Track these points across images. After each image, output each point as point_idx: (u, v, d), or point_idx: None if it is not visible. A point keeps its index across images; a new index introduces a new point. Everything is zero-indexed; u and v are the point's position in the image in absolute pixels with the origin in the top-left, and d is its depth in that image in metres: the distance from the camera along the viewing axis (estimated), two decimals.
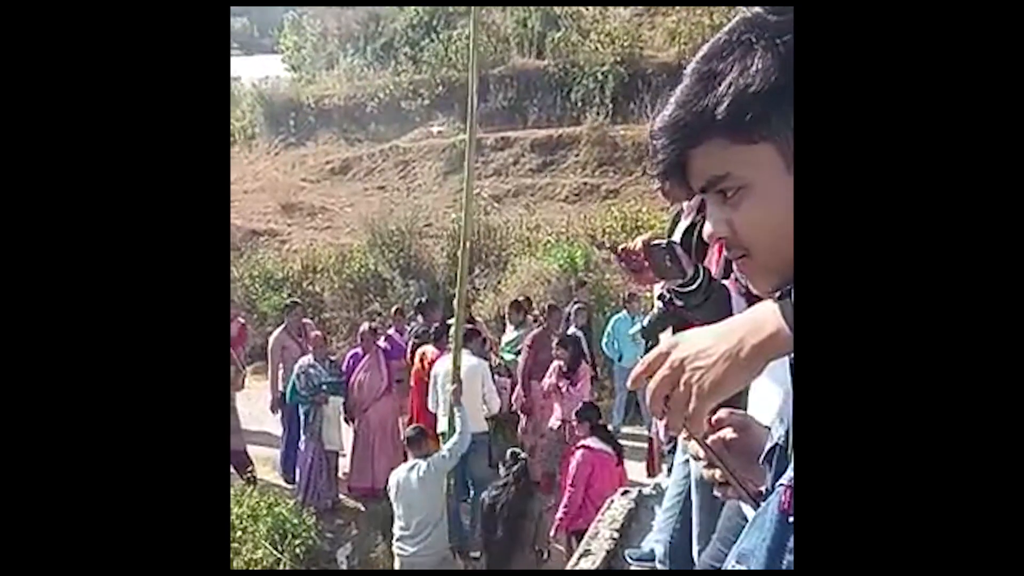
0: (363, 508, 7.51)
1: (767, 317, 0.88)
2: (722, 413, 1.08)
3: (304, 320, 8.86)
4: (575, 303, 9.16)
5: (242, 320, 9.15)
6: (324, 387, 7.35)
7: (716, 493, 1.14)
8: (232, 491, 6.92)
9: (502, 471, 5.49)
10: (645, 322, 3.10)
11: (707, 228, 0.93)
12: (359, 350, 7.72)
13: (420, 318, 8.67)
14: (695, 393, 0.89)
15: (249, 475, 7.45)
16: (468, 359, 6.77)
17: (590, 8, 15.81)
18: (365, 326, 8.02)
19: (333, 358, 7.73)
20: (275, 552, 6.35)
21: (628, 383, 1.04)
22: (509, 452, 5.70)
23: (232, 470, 7.58)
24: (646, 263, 2.59)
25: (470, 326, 7.37)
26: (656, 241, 2.80)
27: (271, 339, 8.47)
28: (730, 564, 0.87)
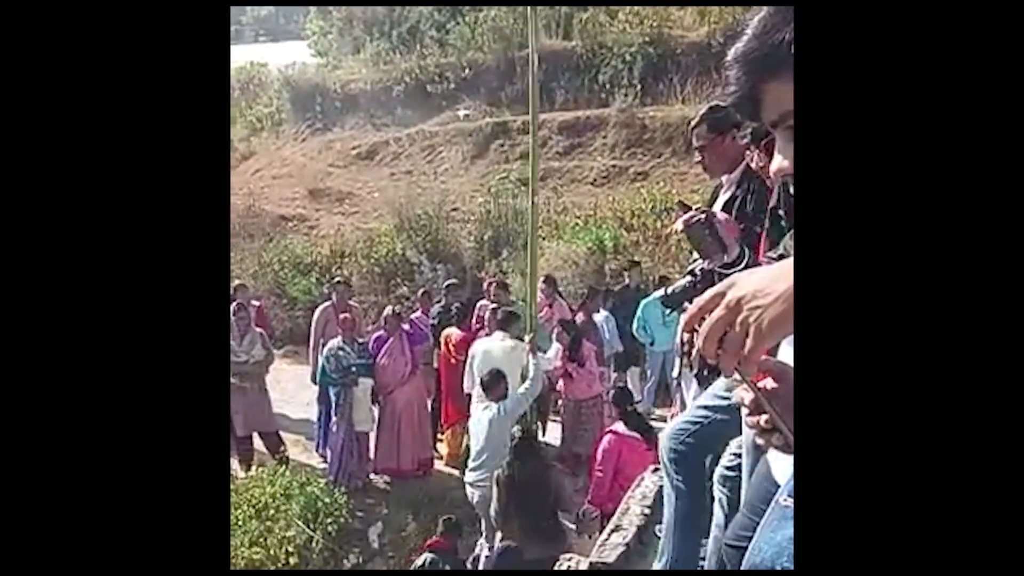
0: (393, 488, 7.53)
1: None
2: (761, 359, 1.05)
3: (350, 302, 8.89)
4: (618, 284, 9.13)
5: (256, 303, 9.21)
6: (354, 369, 7.37)
7: (759, 440, 1.12)
8: (265, 471, 6.98)
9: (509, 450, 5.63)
10: (670, 290, 3.06)
11: (775, 163, 0.92)
12: (383, 333, 7.74)
13: (443, 300, 8.66)
14: (752, 333, 0.88)
15: (281, 455, 7.51)
16: (506, 341, 6.76)
17: None
18: (388, 310, 8.04)
19: (361, 340, 7.73)
20: (307, 530, 6.39)
21: (681, 326, 1.02)
22: (516, 428, 5.82)
23: (265, 450, 7.65)
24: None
25: (509, 309, 7.35)
26: (695, 217, 2.75)
27: (316, 312, 8.58)
28: (780, 500, 0.87)
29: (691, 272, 3.18)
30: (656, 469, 5.23)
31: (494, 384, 6.20)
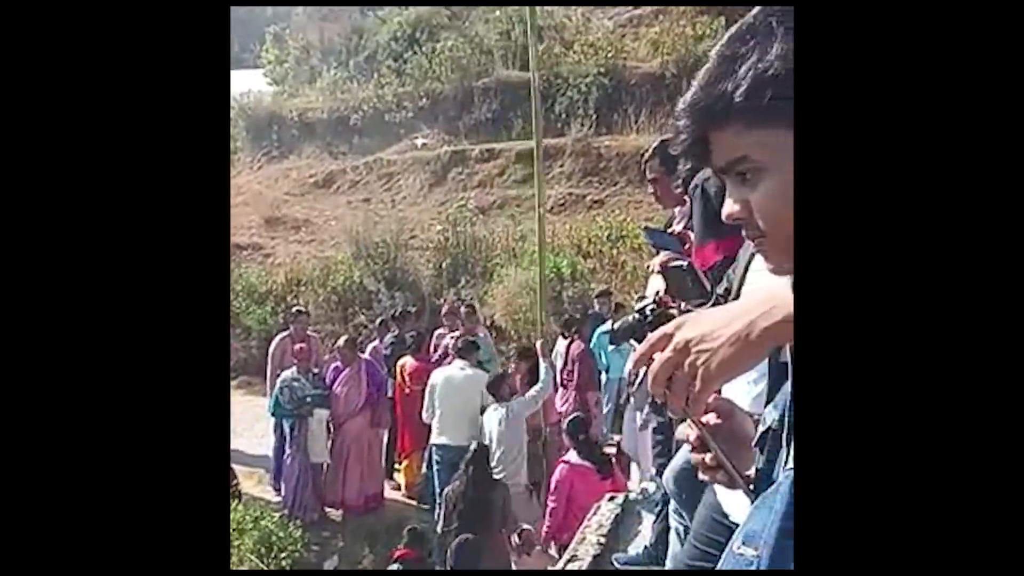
0: (349, 520, 7.43)
1: (781, 300, 0.87)
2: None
3: (309, 332, 8.78)
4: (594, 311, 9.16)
5: None
6: (309, 399, 7.29)
7: (703, 477, 1.14)
8: None
9: (461, 465, 5.73)
10: (616, 326, 3.09)
11: (725, 208, 0.92)
12: (339, 363, 7.66)
13: (397, 329, 8.60)
14: (700, 375, 0.89)
15: (234, 488, 7.36)
16: (466, 371, 6.74)
17: (573, 19, 15.91)
18: (342, 340, 7.96)
19: (316, 371, 7.65)
20: (262, 565, 6.27)
21: (629, 364, 1.04)
22: (473, 443, 5.92)
23: None
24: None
25: (469, 338, 7.34)
26: (676, 263, 2.76)
27: (272, 343, 8.47)
28: (733, 547, 0.86)
29: (640, 311, 3.21)
30: (612, 497, 5.24)
31: (498, 385, 6.33)
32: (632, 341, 2.13)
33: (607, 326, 7.44)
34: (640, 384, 7.33)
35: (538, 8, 16.17)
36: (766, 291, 0.91)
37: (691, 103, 0.89)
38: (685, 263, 2.64)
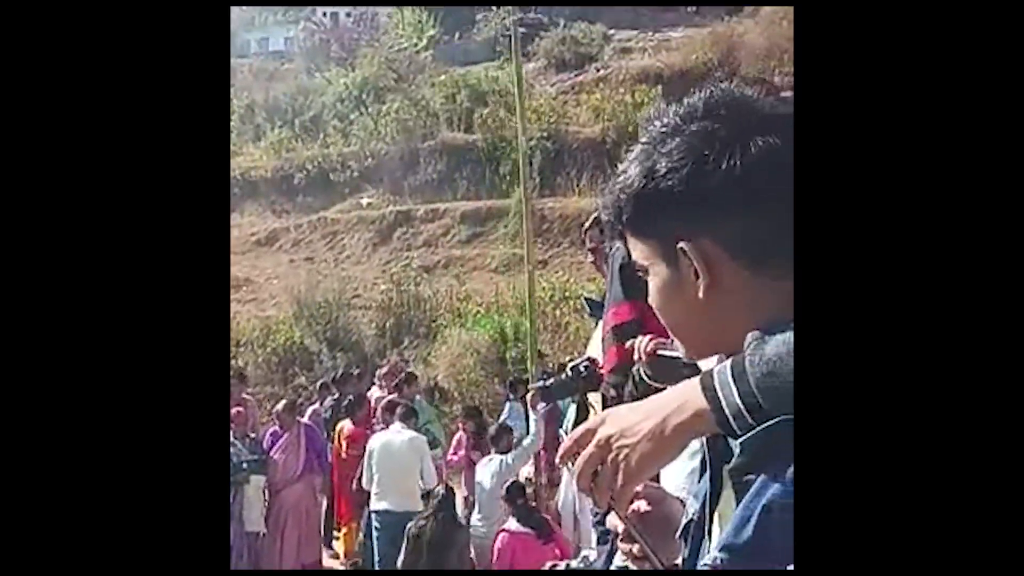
0: None
1: (690, 396, 0.89)
2: (638, 488, 1.08)
3: (245, 395, 8.56)
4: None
5: None
6: (245, 465, 7.06)
7: (632, 567, 1.14)
8: None
9: (426, 505, 5.81)
10: (549, 383, 3.09)
11: (650, 298, 0.97)
12: (277, 427, 7.48)
13: (337, 392, 8.45)
14: (621, 470, 0.90)
15: None
16: (404, 433, 6.65)
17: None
18: (281, 403, 7.77)
19: (253, 435, 7.45)
20: None
21: (557, 459, 1.05)
22: (437, 487, 5.94)
23: None
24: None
25: (406, 401, 7.26)
26: (667, 352, 2.76)
27: None
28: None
29: (574, 368, 3.23)
30: (554, 566, 5.18)
31: (501, 437, 6.37)
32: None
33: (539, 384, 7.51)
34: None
35: (482, 73, 16.58)
36: (679, 388, 0.93)
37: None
38: (677, 354, 2.65)
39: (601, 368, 3.05)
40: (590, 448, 0.92)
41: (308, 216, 15.95)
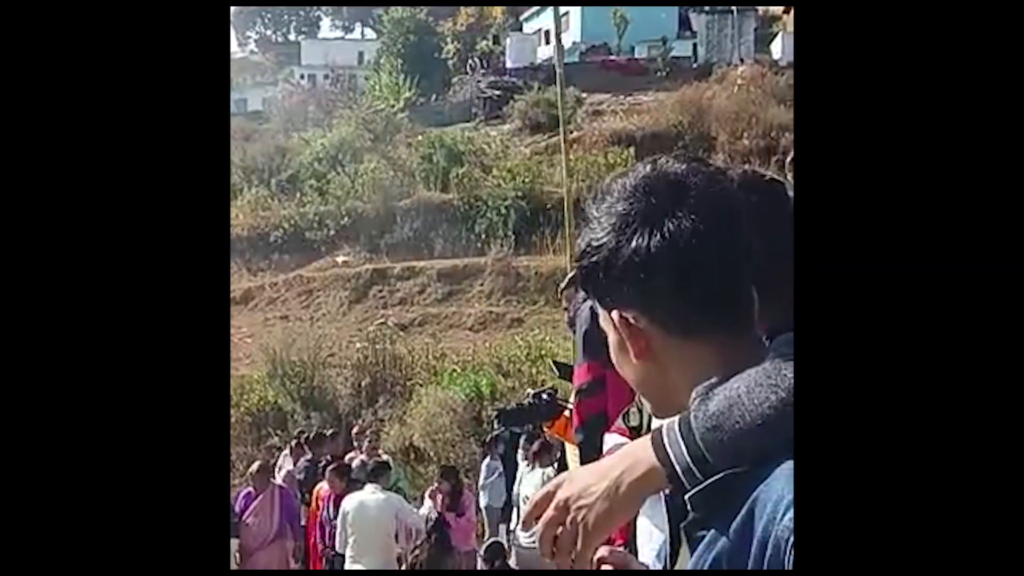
0: None
1: (641, 455, 0.91)
2: (603, 551, 1.11)
3: None
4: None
5: None
6: None
7: None
8: None
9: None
10: (508, 407, 3.15)
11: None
12: (251, 489, 7.35)
13: (311, 452, 8.35)
14: (580, 531, 0.92)
15: None
16: (377, 494, 6.58)
17: (492, 145, 16.53)
18: (255, 465, 7.61)
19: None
20: None
21: (520, 525, 1.07)
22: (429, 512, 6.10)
23: None
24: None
25: (380, 459, 7.19)
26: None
27: None
28: None
29: (536, 395, 3.29)
30: None
31: (545, 451, 6.38)
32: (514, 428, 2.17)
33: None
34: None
35: (458, 134, 16.83)
36: (632, 446, 0.97)
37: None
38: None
39: (563, 402, 3.14)
40: (549, 512, 0.94)
41: (284, 274, 15.95)
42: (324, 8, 47.39)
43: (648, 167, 0.91)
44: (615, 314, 0.90)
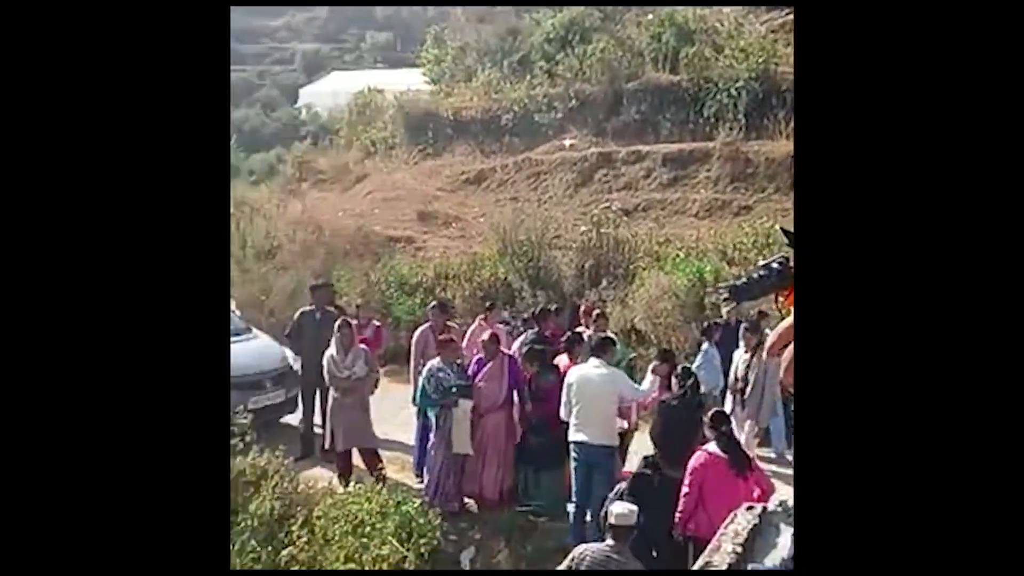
0: (487, 514, 7.63)
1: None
2: None
3: (449, 323, 9.09)
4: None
5: (378, 323, 9.59)
6: (454, 390, 7.52)
7: None
8: (363, 488, 7.23)
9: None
10: (739, 282, 3.06)
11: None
12: (483, 356, 7.87)
13: (536, 327, 8.76)
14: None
15: (379, 473, 7.74)
16: (601, 369, 6.84)
17: (724, 23, 15.67)
18: (487, 334, 8.10)
19: (459, 362, 7.87)
20: (401, 550, 6.58)
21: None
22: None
23: (364, 466, 7.92)
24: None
25: (605, 335, 7.46)
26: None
27: (416, 334, 8.85)
28: None
29: (766, 265, 3.26)
30: (750, 507, 5.18)
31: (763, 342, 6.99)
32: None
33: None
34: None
35: (689, 12, 16.08)
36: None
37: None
38: None
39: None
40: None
41: (513, 156, 16.38)
42: None
43: None
44: None
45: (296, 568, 6.60)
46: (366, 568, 6.44)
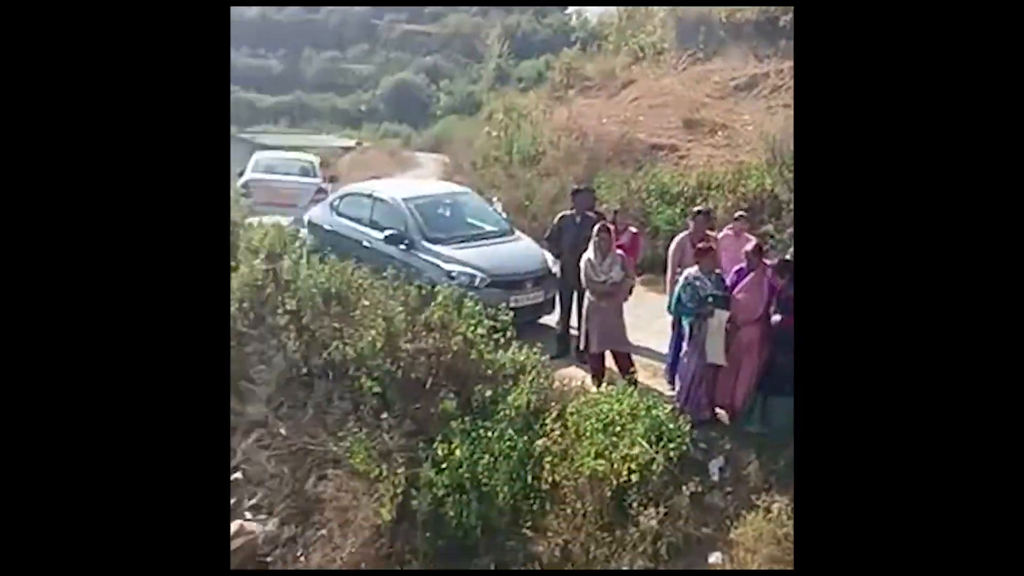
0: (737, 425, 7.52)
1: None
2: None
3: (708, 232, 8.85)
4: None
5: (634, 230, 9.55)
6: (710, 299, 7.39)
7: None
8: (615, 389, 7.40)
9: None
10: None
11: None
12: (743, 267, 7.62)
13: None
14: None
15: (631, 376, 7.88)
16: None
17: None
18: (751, 244, 7.86)
19: (718, 271, 7.69)
20: (650, 451, 6.69)
21: None
22: None
23: (616, 369, 8.08)
24: None
25: None
26: None
27: (673, 242, 8.74)
28: None
29: None
30: None
31: None
32: None
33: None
34: None
35: None
36: None
37: None
38: None
39: None
40: None
41: (789, 62, 15.32)
42: None
43: None
44: None
45: (549, 459, 6.91)
46: (614, 465, 6.60)
